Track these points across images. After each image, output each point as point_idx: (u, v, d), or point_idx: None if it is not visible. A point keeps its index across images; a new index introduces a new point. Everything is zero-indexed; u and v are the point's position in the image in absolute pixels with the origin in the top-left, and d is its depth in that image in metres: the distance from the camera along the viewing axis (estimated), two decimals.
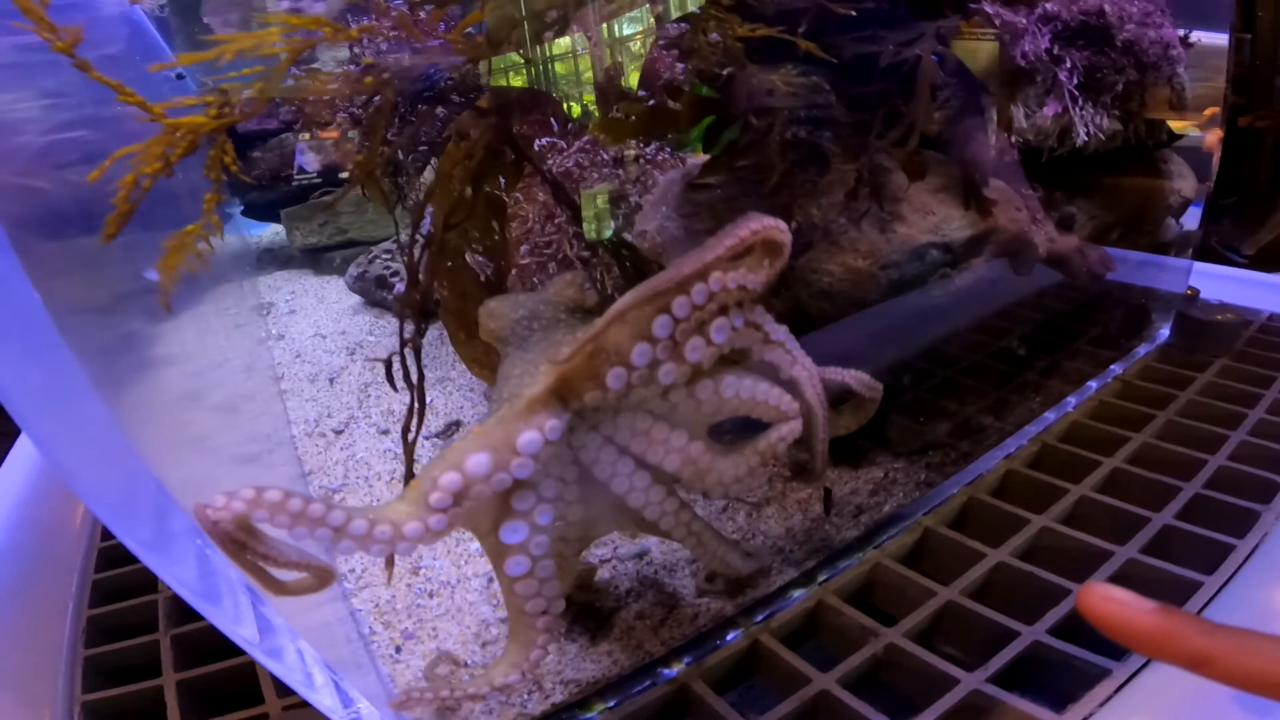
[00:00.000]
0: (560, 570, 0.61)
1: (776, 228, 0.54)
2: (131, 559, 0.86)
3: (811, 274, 0.81)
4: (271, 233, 2.09)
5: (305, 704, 0.64)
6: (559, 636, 0.59)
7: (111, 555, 0.87)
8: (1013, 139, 0.93)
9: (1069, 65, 0.90)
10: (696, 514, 0.62)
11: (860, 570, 0.71)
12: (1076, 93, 0.91)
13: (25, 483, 1.07)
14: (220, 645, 0.72)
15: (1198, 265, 1.15)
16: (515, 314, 0.58)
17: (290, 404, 1.20)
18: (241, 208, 2.06)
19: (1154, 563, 0.69)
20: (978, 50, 0.87)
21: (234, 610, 0.48)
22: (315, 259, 1.93)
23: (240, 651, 0.70)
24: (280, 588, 0.46)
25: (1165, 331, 1.07)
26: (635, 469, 0.56)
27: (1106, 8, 0.95)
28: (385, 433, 1.07)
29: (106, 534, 0.92)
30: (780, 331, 0.59)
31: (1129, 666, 0.58)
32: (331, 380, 1.27)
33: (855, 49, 0.73)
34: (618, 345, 0.50)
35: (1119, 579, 0.68)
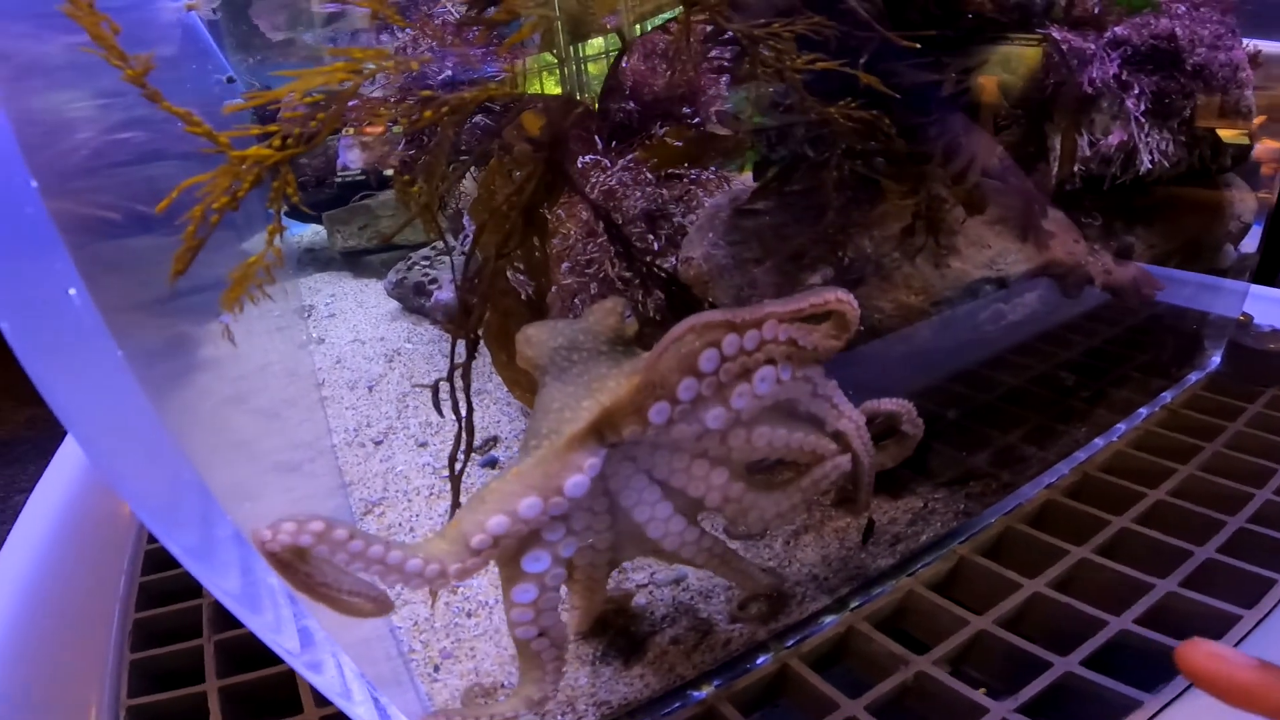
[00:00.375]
0: (588, 593, 0.63)
1: (850, 304, 0.57)
2: (178, 563, 0.90)
3: (862, 310, 0.82)
4: (311, 233, 2.14)
5: (343, 715, 0.67)
6: (563, 668, 0.61)
7: (158, 558, 0.91)
8: (1075, 167, 0.93)
9: (1137, 91, 0.90)
10: (718, 539, 0.64)
11: (893, 597, 0.73)
12: (1143, 119, 0.90)
13: (73, 484, 1.12)
14: (262, 653, 0.75)
15: (1256, 288, 1.14)
16: (554, 342, 0.58)
17: (330, 411, 1.24)
18: (286, 208, 2.12)
19: (1194, 596, 0.69)
20: (1028, 67, 0.87)
21: (275, 620, 0.51)
22: (355, 261, 1.98)
23: (281, 659, 0.74)
24: (336, 605, 0.49)
25: (1217, 359, 1.06)
26: (660, 499, 0.58)
27: (1178, 30, 0.93)
28: (423, 445, 1.09)
29: (153, 537, 0.96)
30: (828, 386, 0.61)
31: (1161, 698, 0.59)
32: (370, 388, 1.30)
33: (915, 77, 0.74)
34: (664, 378, 0.51)
35: (1157, 611, 0.68)
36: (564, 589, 0.66)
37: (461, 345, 0.70)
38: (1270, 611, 0.67)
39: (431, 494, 0.98)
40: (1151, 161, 0.90)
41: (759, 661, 0.68)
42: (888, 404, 0.68)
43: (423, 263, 1.61)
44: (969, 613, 0.70)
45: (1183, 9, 0.97)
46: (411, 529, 0.92)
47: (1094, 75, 0.86)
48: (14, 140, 0.35)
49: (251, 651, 0.75)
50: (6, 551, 0.97)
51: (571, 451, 0.52)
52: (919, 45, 0.69)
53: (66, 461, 1.18)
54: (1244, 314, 1.09)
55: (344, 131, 1.95)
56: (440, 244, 1.66)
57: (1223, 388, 1.02)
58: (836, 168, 0.73)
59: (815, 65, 0.67)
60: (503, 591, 0.56)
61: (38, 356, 0.37)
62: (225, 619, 0.80)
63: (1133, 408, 0.97)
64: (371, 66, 0.59)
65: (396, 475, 1.03)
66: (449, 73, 1.29)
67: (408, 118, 0.64)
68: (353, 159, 2.04)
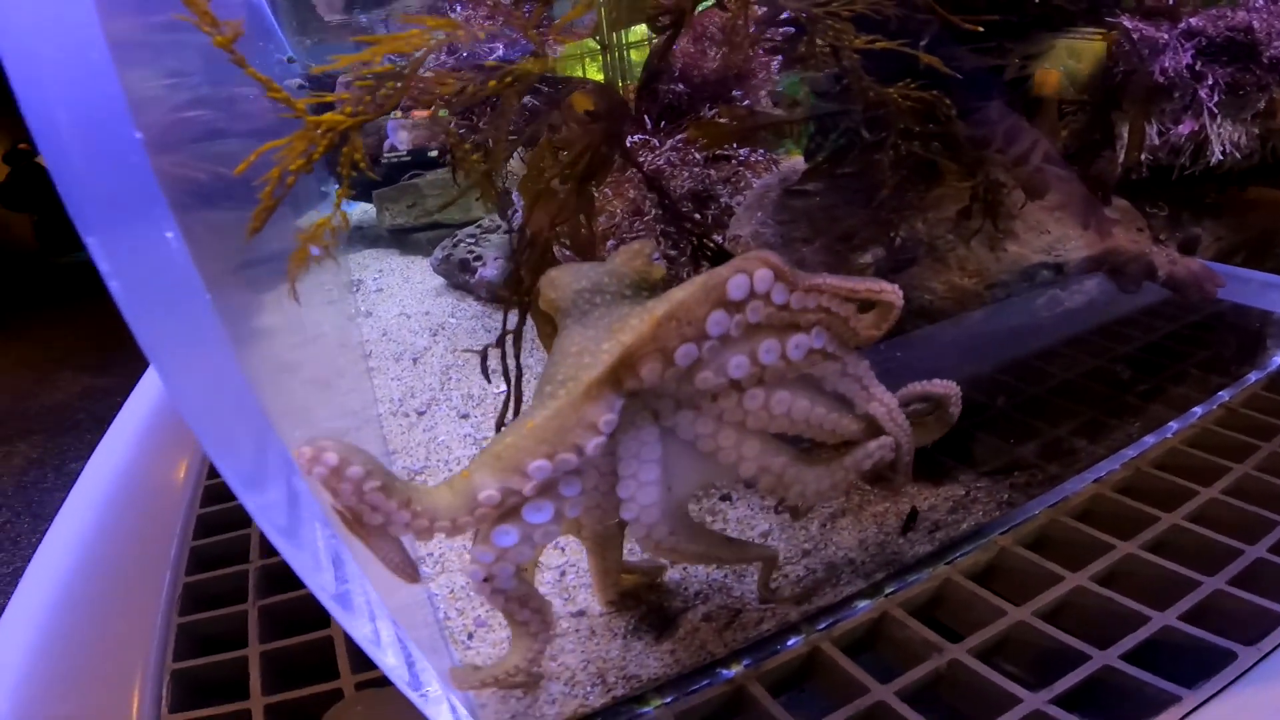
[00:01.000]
0: (601, 553, 0.64)
1: (899, 301, 0.58)
2: (227, 527, 0.94)
3: (912, 291, 0.82)
4: (360, 211, 2.20)
5: (377, 680, 0.69)
6: (551, 621, 0.61)
7: (210, 523, 0.95)
8: (1142, 155, 0.92)
9: (1210, 82, 0.89)
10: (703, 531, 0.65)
11: (929, 585, 0.73)
12: (1215, 110, 0.89)
13: (129, 452, 1.17)
14: (302, 618, 0.78)
15: None
16: (577, 285, 0.58)
17: (376, 381, 1.28)
18: (337, 186, 2.17)
19: (1242, 594, 0.68)
20: (1095, 57, 0.86)
21: (315, 560, 0.52)
22: (402, 239, 2.06)
23: (321, 625, 0.76)
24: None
25: (1279, 359, 1.04)
26: (658, 470, 0.58)
27: (1255, 23, 0.93)
28: (465, 417, 1.12)
29: (206, 500, 1.00)
30: (859, 367, 0.62)
31: (1200, 694, 0.59)
32: (415, 360, 1.34)
33: (976, 62, 0.74)
34: (690, 310, 0.51)
35: (1203, 609, 0.68)
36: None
37: (514, 315, 0.72)
38: None
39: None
40: (1223, 153, 0.89)
41: (790, 643, 0.69)
42: (930, 386, 0.68)
43: (468, 240, 1.66)
44: (1007, 603, 0.70)
45: (1261, 2, 0.96)
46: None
47: (1166, 65, 0.86)
48: (121, 93, 0.37)
49: (293, 617, 0.78)
50: (63, 517, 1.02)
51: (588, 403, 0.52)
52: (982, 29, 0.69)
53: (123, 430, 1.23)
54: None
55: (393, 114, 1.99)
56: (485, 222, 1.70)
57: None
58: (893, 148, 0.73)
59: (875, 45, 0.67)
60: (476, 536, 0.56)
61: (136, 299, 0.40)
62: (269, 585, 0.84)
63: (1189, 405, 0.96)
64: (442, 35, 0.60)
65: (438, 445, 1.06)
66: (501, 52, 1.32)
67: (473, 86, 0.66)
68: (401, 140, 2.09)
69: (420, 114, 1.95)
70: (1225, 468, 0.85)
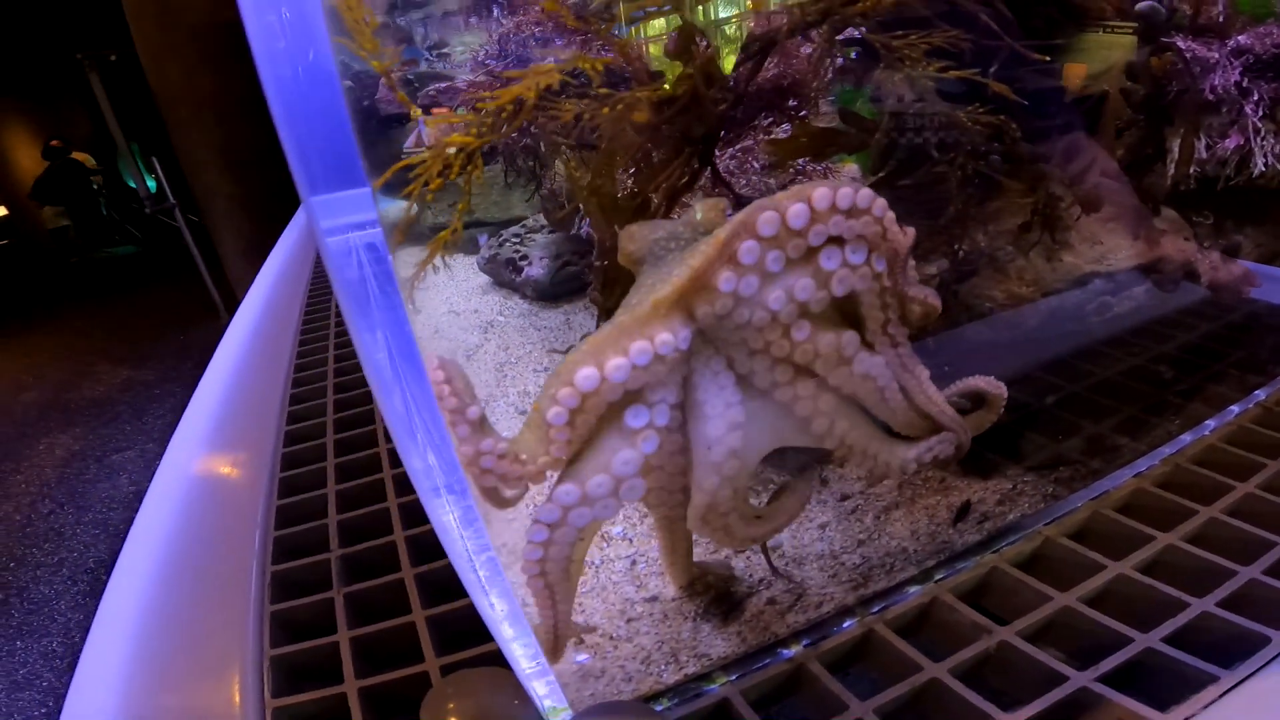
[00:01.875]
0: (670, 530, 0.70)
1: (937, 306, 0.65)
2: (305, 518, 1.01)
3: (974, 299, 0.88)
4: (398, 209, 2.26)
5: (460, 662, 0.76)
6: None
7: (289, 514, 1.02)
8: (1191, 169, 0.97)
9: (1256, 97, 0.93)
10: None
11: (976, 573, 0.79)
12: (1260, 124, 0.93)
13: (203, 444, 1.25)
14: (384, 604, 0.85)
15: None
16: (654, 234, 0.62)
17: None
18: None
19: (1274, 582, 0.73)
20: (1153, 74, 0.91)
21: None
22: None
23: (403, 611, 0.83)
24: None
25: None
26: (735, 402, 0.61)
27: None
28: (523, 413, 1.18)
29: (283, 491, 1.07)
30: (917, 367, 0.67)
31: (1237, 674, 0.64)
32: (468, 357, 1.40)
33: (1039, 83, 0.79)
34: (749, 223, 0.56)
35: (1240, 596, 0.73)
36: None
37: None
38: None
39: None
40: (1265, 165, 0.93)
41: (845, 625, 0.75)
42: (965, 384, 0.74)
43: (513, 239, 1.72)
44: (1052, 589, 0.75)
45: None
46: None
47: (1216, 82, 0.90)
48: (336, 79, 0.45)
49: (376, 604, 0.85)
50: (144, 513, 1.08)
51: (655, 318, 0.56)
52: (1048, 59, 0.75)
53: (195, 423, 1.31)
54: None
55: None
56: (529, 221, 1.76)
57: None
58: (960, 168, 0.79)
59: (948, 74, 0.73)
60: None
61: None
62: (351, 572, 0.91)
63: (1227, 403, 1.00)
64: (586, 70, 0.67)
65: None
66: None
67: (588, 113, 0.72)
68: (427, 137, 2.16)
69: (439, 112, 2.02)
70: (1261, 464, 0.90)
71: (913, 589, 0.78)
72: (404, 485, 1.04)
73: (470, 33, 1.68)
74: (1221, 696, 0.63)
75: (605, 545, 0.88)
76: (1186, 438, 0.96)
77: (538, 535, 0.61)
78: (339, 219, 0.51)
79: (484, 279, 1.78)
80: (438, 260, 0.68)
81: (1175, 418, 0.97)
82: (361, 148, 0.48)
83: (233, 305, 6.37)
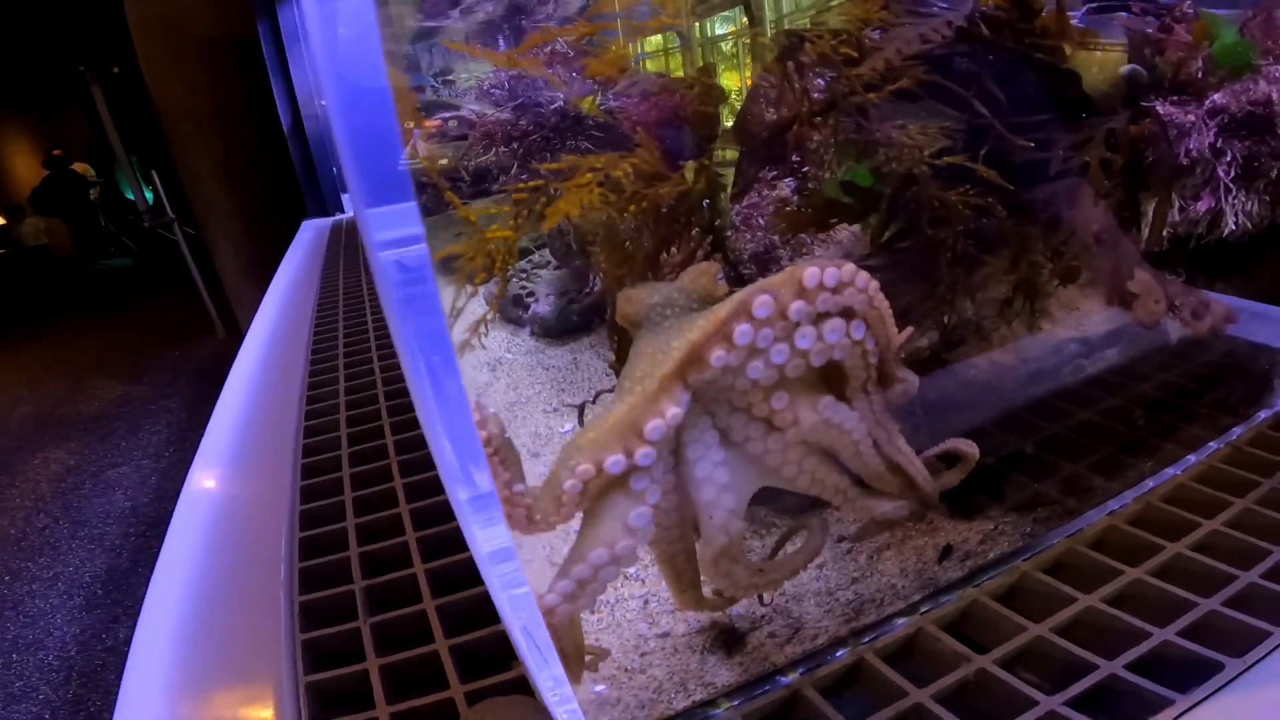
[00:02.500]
0: (672, 566, 0.77)
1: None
2: (329, 549, 1.09)
3: (959, 367, 0.96)
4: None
5: (482, 688, 0.83)
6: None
7: (312, 545, 1.10)
8: (1165, 232, 1.04)
9: (1229, 158, 0.99)
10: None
11: (959, 605, 0.86)
12: (1232, 185, 1.00)
13: (224, 473, 1.32)
14: (408, 634, 0.93)
15: None
16: (651, 299, 0.70)
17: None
18: None
19: (1234, 614, 0.81)
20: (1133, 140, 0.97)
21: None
22: (449, 267, 2.16)
23: (426, 640, 0.91)
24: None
25: None
26: (722, 460, 0.70)
27: (1275, 95, 1.02)
28: (535, 456, 1.25)
29: (304, 524, 1.15)
30: (889, 423, 0.75)
31: (1192, 698, 0.72)
32: (478, 396, 1.47)
33: (1027, 156, 0.87)
34: (745, 304, 0.63)
35: (1200, 626, 0.80)
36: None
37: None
38: None
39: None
40: (1236, 224, 1.00)
41: (838, 654, 0.82)
42: (940, 448, 0.81)
43: (519, 276, 1.79)
44: (1027, 620, 0.83)
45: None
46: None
47: (1191, 146, 0.96)
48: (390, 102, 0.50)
49: (401, 634, 0.93)
50: (170, 542, 1.16)
51: (663, 394, 0.64)
52: (1033, 144, 0.83)
53: (213, 452, 1.38)
54: None
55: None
56: (535, 257, 1.83)
57: None
58: (950, 247, 0.87)
59: (943, 160, 0.81)
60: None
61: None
62: (376, 603, 0.98)
63: (1199, 443, 1.08)
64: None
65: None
66: (561, 101, 1.47)
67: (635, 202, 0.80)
68: (422, 149, 2.20)
69: (432, 124, 2.08)
70: (1228, 502, 0.98)
71: (900, 620, 0.85)
72: (420, 519, 1.12)
73: (475, 61, 1.75)
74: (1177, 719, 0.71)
75: (620, 585, 0.95)
76: (1160, 475, 1.04)
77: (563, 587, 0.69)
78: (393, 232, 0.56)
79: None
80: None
81: (1148, 459, 1.05)
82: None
83: (229, 321, 6.46)
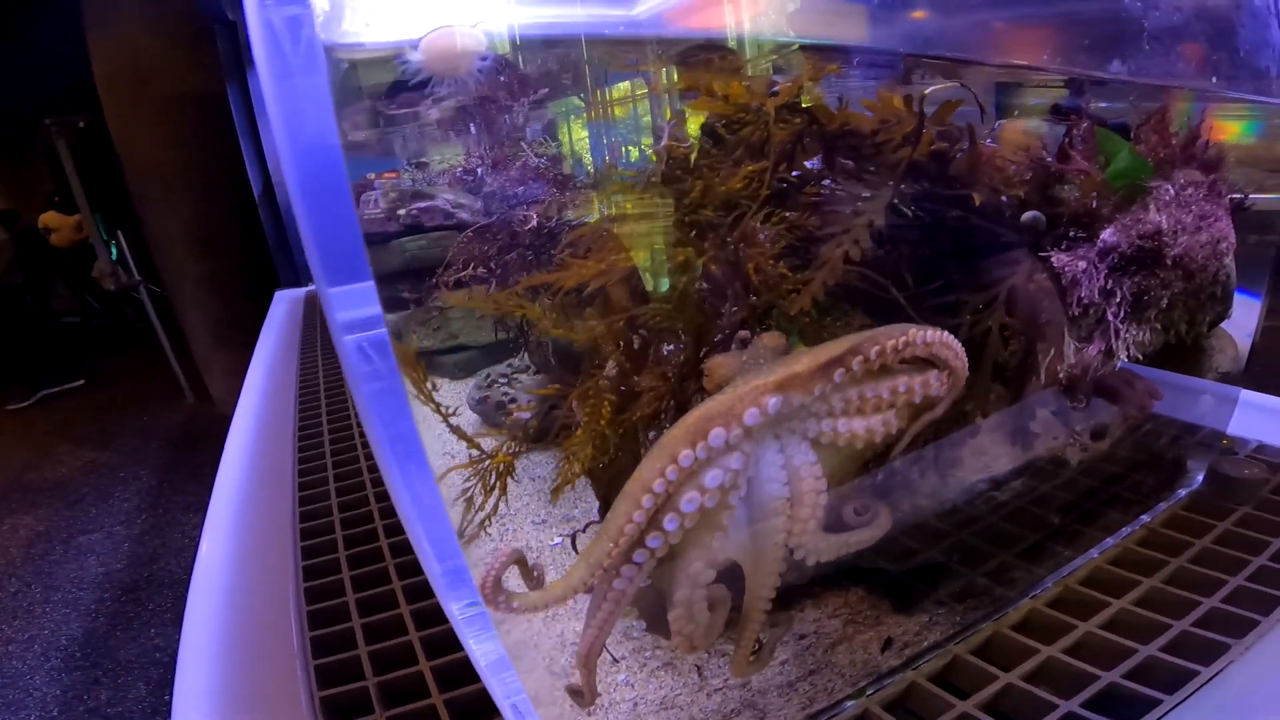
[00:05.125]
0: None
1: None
2: (334, 620, 1.26)
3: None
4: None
5: None
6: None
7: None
8: (1060, 375, 1.13)
9: (1118, 299, 1.08)
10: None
11: (899, 687, 1.04)
12: (1121, 326, 1.09)
13: (229, 572, 1.50)
14: (412, 689, 1.10)
15: (1254, 397, 1.44)
16: (736, 361, 0.88)
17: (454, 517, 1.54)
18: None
19: (1132, 685, 0.99)
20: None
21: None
22: (429, 360, 2.22)
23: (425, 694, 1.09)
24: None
25: (1200, 478, 1.36)
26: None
27: (1164, 223, 1.10)
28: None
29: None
30: None
31: None
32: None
33: (938, 305, 1.03)
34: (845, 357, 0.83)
35: (1102, 697, 0.98)
36: None
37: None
38: (1186, 698, 0.98)
39: (547, 617, 1.23)
40: (1128, 358, 1.13)
41: None
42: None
43: (501, 380, 1.89)
44: (956, 699, 1.01)
45: (1170, 192, 1.15)
46: (535, 645, 1.19)
47: (1082, 294, 1.07)
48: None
49: (406, 689, 1.10)
50: (185, 652, 1.30)
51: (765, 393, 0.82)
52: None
53: (223, 508, 1.55)
54: (1226, 438, 1.39)
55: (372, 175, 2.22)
56: (514, 361, 1.93)
57: (1201, 508, 1.32)
58: None
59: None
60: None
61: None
62: (382, 664, 1.16)
63: (1118, 526, 1.28)
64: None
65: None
66: (535, 222, 1.66)
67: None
68: (379, 201, 2.24)
69: (389, 176, 2.18)
70: (1137, 581, 1.17)
71: (849, 704, 1.03)
72: (422, 619, 1.29)
73: (448, 145, 1.90)
74: None
75: (613, 689, 1.12)
76: (1079, 560, 1.23)
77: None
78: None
79: (474, 417, 1.92)
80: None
81: (1067, 547, 1.24)
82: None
83: (199, 387, 6.59)
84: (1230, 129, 1.45)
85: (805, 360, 0.83)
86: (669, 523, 0.81)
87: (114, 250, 7.63)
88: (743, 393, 0.82)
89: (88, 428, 6.85)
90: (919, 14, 1.12)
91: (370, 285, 0.66)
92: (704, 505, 0.82)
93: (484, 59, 0.84)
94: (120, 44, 5.57)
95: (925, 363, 0.89)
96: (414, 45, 0.81)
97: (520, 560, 0.84)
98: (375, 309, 0.67)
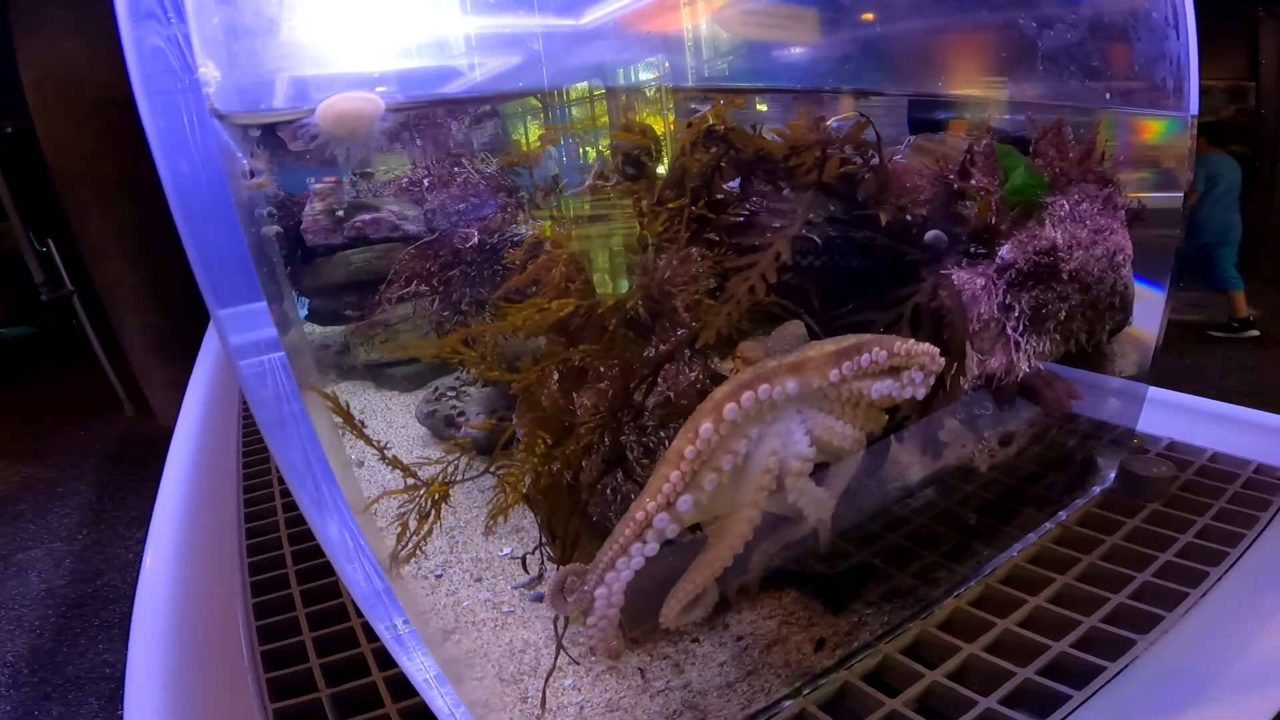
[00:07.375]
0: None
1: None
2: (284, 633, 1.29)
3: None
4: (323, 336, 2.34)
5: None
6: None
7: (266, 630, 1.31)
8: (965, 387, 1.17)
9: (1016, 313, 1.15)
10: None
11: (833, 686, 1.10)
12: (1020, 339, 1.15)
13: (180, 550, 1.53)
14: (365, 700, 1.14)
15: (1163, 395, 1.52)
16: (769, 343, 0.95)
17: (388, 542, 1.55)
18: (306, 313, 2.37)
19: (1043, 680, 1.07)
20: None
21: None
22: (376, 373, 2.20)
23: (379, 704, 1.12)
24: None
25: (1112, 475, 1.45)
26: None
27: (1059, 239, 1.18)
28: (479, 580, 1.38)
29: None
30: None
31: None
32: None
33: (849, 325, 1.07)
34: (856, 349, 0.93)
35: (1018, 693, 1.05)
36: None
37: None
38: (1095, 692, 1.05)
39: (496, 626, 1.27)
40: (1030, 368, 1.20)
41: None
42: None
43: (449, 393, 1.90)
44: (887, 697, 1.07)
45: (1065, 207, 1.24)
46: (484, 654, 1.22)
47: (982, 310, 1.13)
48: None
49: (360, 700, 1.14)
50: (133, 671, 1.31)
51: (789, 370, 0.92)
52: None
53: (167, 522, 1.57)
54: (1137, 438, 1.48)
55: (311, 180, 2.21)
56: (462, 374, 1.93)
57: (1113, 505, 1.40)
58: None
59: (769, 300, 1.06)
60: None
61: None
62: (335, 677, 1.20)
63: (1035, 525, 1.35)
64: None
65: (464, 609, 1.30)
66: (476, 239, 1.69)
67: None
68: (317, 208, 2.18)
69: (330, 180, 2.13)
70: (1052, 579, 1.24)
71: (786, 703, 1.09)
72: (373, 631, 1.32)
73: (393, 155, 1.92)
74: None
75: (560, 694, 1.17)
76: (1000, 558, 1.30)
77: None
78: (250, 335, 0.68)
79: (423, 430, 1.92)
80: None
81: (987, 547, 1.31)
82: (287, 272, 0.67)
83: (136, 398, 6.49)
84: (1153, 128, 1.54)
85: (822, 349, 0.93)
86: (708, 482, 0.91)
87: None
88: (767, 370, 0.91)
89: (22, 441, 6.72)
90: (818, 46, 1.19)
91: (262, 306, 0.68)
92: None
93: (384, 120, 0.87)
94: (48, 48, 5.43)
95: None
96: (312, 109, 0.83)
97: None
98: (270, 331, 0.69)
